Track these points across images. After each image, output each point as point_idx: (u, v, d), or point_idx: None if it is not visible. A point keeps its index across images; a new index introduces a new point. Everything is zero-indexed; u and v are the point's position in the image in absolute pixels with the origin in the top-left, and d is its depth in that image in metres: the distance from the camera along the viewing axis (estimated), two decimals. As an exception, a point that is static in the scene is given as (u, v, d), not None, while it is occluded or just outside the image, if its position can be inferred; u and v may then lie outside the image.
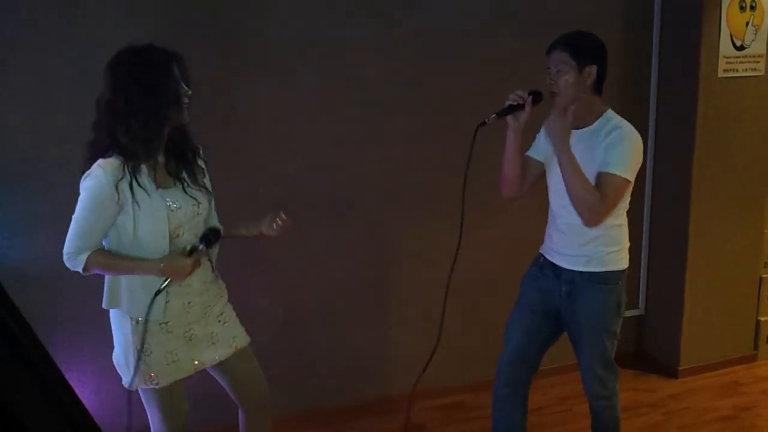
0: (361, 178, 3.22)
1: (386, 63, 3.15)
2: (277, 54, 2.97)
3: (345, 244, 3.25)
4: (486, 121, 2.34)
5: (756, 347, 3.92)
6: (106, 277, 2.10)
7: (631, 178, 2.33)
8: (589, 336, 2.49)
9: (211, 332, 2.23)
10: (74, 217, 2.02)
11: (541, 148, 2.53)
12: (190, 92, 2.06)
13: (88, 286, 2.85)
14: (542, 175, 2.55)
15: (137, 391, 2.19)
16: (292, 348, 3.27)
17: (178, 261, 2.06)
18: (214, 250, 2.26)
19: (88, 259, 2.01)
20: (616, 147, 2.30)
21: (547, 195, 2.55)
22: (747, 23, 3.48)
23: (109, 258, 2.05)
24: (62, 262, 2.77)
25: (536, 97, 2.37)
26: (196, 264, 2.10)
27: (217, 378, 2.34)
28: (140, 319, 2.07)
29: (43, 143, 2.72)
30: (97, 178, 1.97)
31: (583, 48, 2.33)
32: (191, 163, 2.16)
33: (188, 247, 2.11)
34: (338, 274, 3.27)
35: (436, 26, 3.20)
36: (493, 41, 3.30)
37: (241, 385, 2.34)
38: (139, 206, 2.01)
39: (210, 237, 2.14)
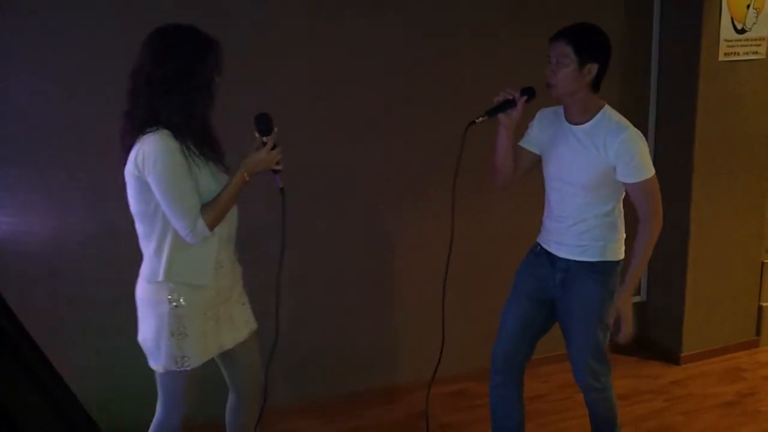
0: (360, 170, 3.20)
1: (383, 55, 3.12)
2: (273, 47, 2.95)
3: (346, 236, 3.23)
4: (476, 120, 2.33)
5: (758, 333, 3.91)
6: (166, 252, 2.06)
7: (653, 169, 2.36)
8: (582, 326, 2.47)
9: (232, 314, 2.24)
10: (169, 198, 1.98)
11: (534, 140, 2.52)
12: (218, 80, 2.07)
13: (87, 282, 2.85)
14: (535, 164, 2.54)
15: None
16: (295, 339, 3.25)
17: (254, 158, 2.09)
18: (234, 229, 2.24)
19: (205, 220, 2.02)
20: (633, 156, 2.29)
21: (543, 185, 2.54)
22: (748, 6, 3.45)
23: (214, 206, 2.05)
24: (60, 257, 2.78)
25: (529, 95, 2.35)
26: (270, 148, 2.10)
27: (219, 361, 2.33)
28: (196, 285, 2.08)
29: (41, 137, 2.70)
30: (164, 147, 1.96)
31: (588, 45, 2.27)
32: (218, 148, 2.17)
33: (255, 144, 2.12)
34: (339, 266, 3.25)
35: (433, 17, 3.17)
36: (491, 32, 3.27)
37: (243, 369, 2.34)
38: (199, 170, 2.04)
39: (261, 122, 2.11)
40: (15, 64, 2.62)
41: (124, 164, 2.04)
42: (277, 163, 2.14)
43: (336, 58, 3.06)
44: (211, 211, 2.04)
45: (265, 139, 2.11)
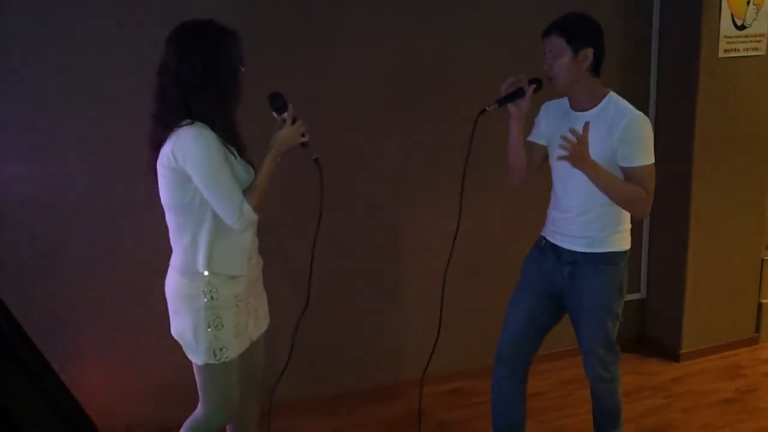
0: (361, 165, 3.20)
1: (387, 48, 3.12)
2: (278, 41, 2.94)
3: (345, 234, 3.23)
4: (487, 108, 2.36)
5: (758, 330, 3.91)
6: (204, 243, 2.07)
7: (654, 157, 2.36)
8: (592, 317, 2.49)
9: (257, 306, 2.27)
10: (214, 187, 2.00)
11: (542, 133, 2.53)
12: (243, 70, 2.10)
13: (87, 282, 2.85)
14: (546, 158, 2.54)
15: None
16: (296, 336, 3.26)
17: (279, 136, 2.12)
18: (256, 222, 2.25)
19: (251, 205, 2.06)
20: (636, 139, 2.31)
21: (546, 180, 2.54)
22: (748, 2, 3.44)
23: (254, 191, 2.09)
24: (61, 254, 2.78)
25: (538, 85, 2.38)
26: (290, 123, 2.14)
27: None
28: (237, 275, 2.12)
29: (41, 136, 2.70)
30: (203, 139, 1.98)
31: (577, 31, 2.31)
32: (241, 142, 2.19)
33: (276, 125, 2.15)
34: (340, 264, 3.25)
35: (437, 11, 3.17)
36: (492, 27, 3.28)
37: (250, 365, 2.33)
38: (235, 159, 2.08)
39: (275, 101, 2.15)
40: (15, 62, 2.62)
41: (153, 165, 2.05)
42: (303, 135, 2.16)
43: (336, 56, 3.05)
44: (253, 196, 2.07)
45: (283, 116, 2.14)
